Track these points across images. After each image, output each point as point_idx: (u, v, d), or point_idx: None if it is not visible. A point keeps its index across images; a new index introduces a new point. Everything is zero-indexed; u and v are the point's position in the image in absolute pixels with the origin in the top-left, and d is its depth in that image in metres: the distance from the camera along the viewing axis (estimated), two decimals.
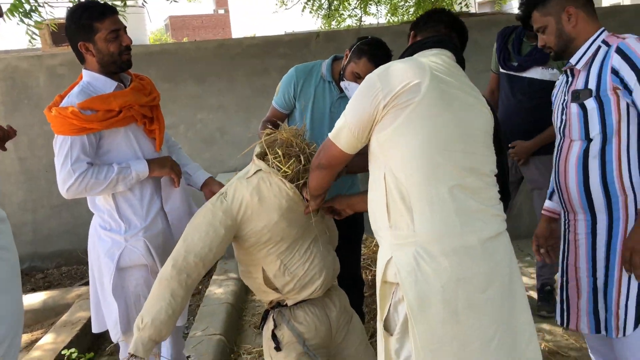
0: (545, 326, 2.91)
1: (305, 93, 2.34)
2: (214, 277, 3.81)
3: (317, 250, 1.83)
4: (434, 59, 1.50)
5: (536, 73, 2.73)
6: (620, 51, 1.62)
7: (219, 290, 3.52)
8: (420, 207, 1.38)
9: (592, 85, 1.69)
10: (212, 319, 3.06)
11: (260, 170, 1.72)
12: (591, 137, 1.69)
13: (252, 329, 3.20)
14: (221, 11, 41.72)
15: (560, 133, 1.84)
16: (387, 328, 1.51)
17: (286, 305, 1.87)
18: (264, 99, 4.53)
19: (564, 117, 1.80)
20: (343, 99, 2.31)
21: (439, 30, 1.64)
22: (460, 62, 1.58)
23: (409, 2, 6.39)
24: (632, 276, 1.64)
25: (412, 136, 1.38)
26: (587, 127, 1.70)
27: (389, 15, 6.33)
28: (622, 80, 1.61)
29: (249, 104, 4.57)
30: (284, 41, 4.65)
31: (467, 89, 1.50)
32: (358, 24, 5.55)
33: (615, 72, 1.62)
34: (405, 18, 6.51)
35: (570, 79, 1.80)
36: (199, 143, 4.58)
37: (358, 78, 2.15)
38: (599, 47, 1.70)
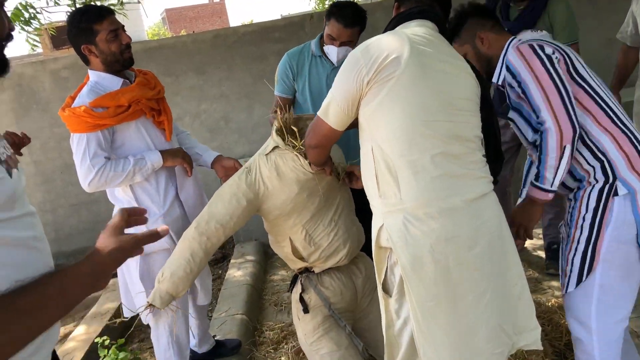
0: (554, 283, 3.00)
1: (301, 73, 2.44)
2: (232, 260, 3.94)
3: (342, 222, 1.93)
4: (416, 29, 1.54)
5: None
6: (507, 65, 1.77)
7: (238, 273, 3.65)
8: (405, 176, 1.46)
9: (509, 98, 1.84)
10: (234, 300, 3.20)
11: (277, 146, 1.82)
12: (531, 140, 1.76)
13: (272, 306, 3.33)
14: (216, 0, 41.42)
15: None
16: (386, 290, 1.60)
17: (314, 272, 1.99)
18: (263, 84, 4.60)
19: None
20: (336, 69, 2.39)
21: (422, 0, 1.66)
22: (444, 31, 1.63)
23: None
24: (582, 235, 1.68)
25: (394, 109, 1.45)
26: (524, 135, 1.80)
27: None
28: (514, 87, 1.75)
29: (249, 90, 4.65)
30: (279, 25, 4.70)
31: (448, 58, 1.54)
32: None
33: (508, 84, 1.79)
34: None
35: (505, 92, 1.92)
36: (205, 133, 4.68)
37: (333, 40, 2.30)
38: (504, 60, 1.84)
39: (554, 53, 1.70)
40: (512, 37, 1.89)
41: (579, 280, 1.68)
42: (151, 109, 2.05)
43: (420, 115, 1.45)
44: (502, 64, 1.83)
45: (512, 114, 1.82)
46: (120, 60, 1.99)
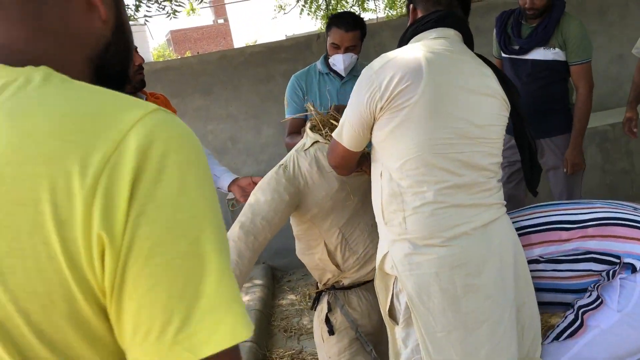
0: None
1: (310, 92, 2.46)
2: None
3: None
4: (435, 44, 1.45)
5: (539, 54, 2.73)
6: None
7: (245, 298, 3.56)
8: (410, 207, 1.42)
9: None
10: None
11: (316, 142, 1.79)
12: None
13: (282, 332, 3.23)
14: (220, 21, 41.90)
15: None
16: (392, 317, 1.55)
17: (341, 286, 1.91)
18: (271, 104, 4.58)
19: None
20: (346, 83, 2.45)
21: (440, 2, 1.51)
22: (467, 35, 1.53)
23: None
24: None
25: (405, 140, 1.39)
26: None
27: (388, 9, 6.33)
28: None
29: (257, 111, 4.62)
30: (286, 46, 4.68)
31: (470, 79, 1.44)
32: None
33: None
34: (403, 10, 6.52)
35: None
36: (213, 153, 4.62)
37: (337, 48, 2.38)
38: None
39: None
40: None
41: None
42: None
43: (432, 147, 1.39)
44: None
45: None
46: (132, 82, 1.94)
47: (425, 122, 1.37)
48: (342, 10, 2.53)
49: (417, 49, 1.44)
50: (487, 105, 1.47)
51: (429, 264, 1.40)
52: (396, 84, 1.36)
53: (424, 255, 1.41)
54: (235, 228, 1.75)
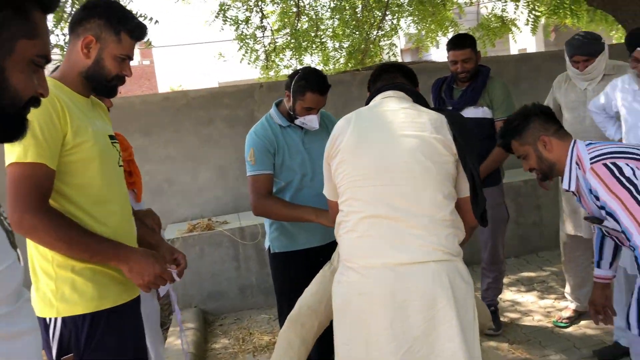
0: (492, 343, 3.13)
1: (279, 147, 2.36)
2: (170, 328, 3.77)
3: None
4: (375, 104, 1.79)
5: (469, 112, 3.05)
6: (589, 189, 1.80)
7: (178, 342, 3.48)
8: (341, 233, 1.70)
9: (594, 211, 1.86)
10: None
11: None
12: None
13: None
14: (146, 62, 41.36)
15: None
16: None
17: None
18: (210, 147, 4.64)
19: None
20: (307, 132, 2.41)
21: (386, 78, 1.88)
22: (415, 94, 1.81)
23: (340, 53, 6.79)
24: None
25: (339, 176, 1.70)
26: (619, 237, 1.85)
27: (322, 65, 6.67)
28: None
29: (196, 153, 4.65)
30: (228, 92, 4.81)
31: (392, 127, 1.65)
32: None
33: (596, 197, 1.77)
34: (337, 67, 6.87)
35: (578, 197, 1.96)
36: (147, 194, 4.54)
37: (310, 110, 2.31)
38: (572, 167, 1.88)
39: (634, 173, 1.69)
40: (573, 141, 1.90)
41: None
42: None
43: (357, 181, 1.64)
44: (570, 170, 1.87)
45: (607, 223, 1.80)
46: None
47: (351, 160, 1.66)
48: (303, 69, 2.17)
49: (355, 112, 1.77)
50: (411, 144, 1.60)
51: (347, 286, 1.64)
52: (334, 135, 1.73)
53: (345, 278, 1.65)
54: (285, 323, 1.95)
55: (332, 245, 2.48)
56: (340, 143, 1.69)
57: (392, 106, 1.72)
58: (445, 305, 1.51)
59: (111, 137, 1.63)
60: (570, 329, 3.23)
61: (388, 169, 1.60)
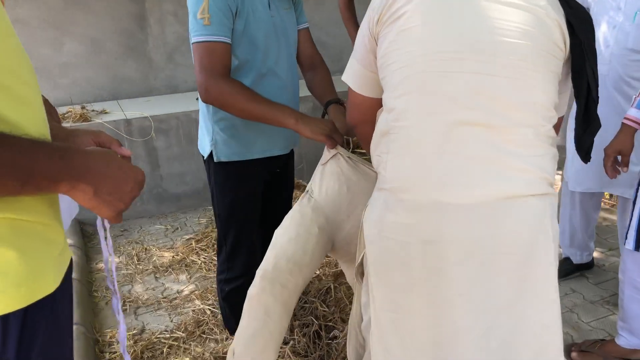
0: None
1: (244, 6, 1.61)
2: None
3: None
4: None
5: None
6: None
7: None
8: (396, 147, 1.10)
9: None
10: None
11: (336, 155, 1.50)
12: None
13: (110, 306, 2.56)
14: None
15: None
16: (360, 273, 1.35)
17: None
18: (79, 12, 3.57)
19: None
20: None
21: None
22: None
23: None
24: None
25: (402, 55, 1.06)
26: None
27: None
28: None
29: (59, 18, 3.56)
30: None
31: None
32: None
33: None
34: None
35: None
36: None
37: None
38: None
39: None
40: None
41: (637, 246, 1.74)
42: None
43: (437, 63, 1.03)
44: None
45: None
46: None
47: (420, 28, 1.04)
48: None
49: None
50: (516, 17, 1.04)
51: (399, 230, 1.08)
52: None
53: (397, 218, 1.08)
54: (255, 281, 1.40)
55: (291, 155, 1.96)
56: (405, 2, 1.05)
57: None
58: (543, 259, 1.06)
59: None
60: None
61: (484, 51, 1.01)
